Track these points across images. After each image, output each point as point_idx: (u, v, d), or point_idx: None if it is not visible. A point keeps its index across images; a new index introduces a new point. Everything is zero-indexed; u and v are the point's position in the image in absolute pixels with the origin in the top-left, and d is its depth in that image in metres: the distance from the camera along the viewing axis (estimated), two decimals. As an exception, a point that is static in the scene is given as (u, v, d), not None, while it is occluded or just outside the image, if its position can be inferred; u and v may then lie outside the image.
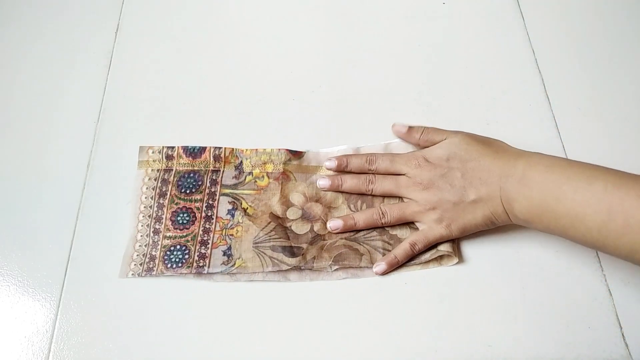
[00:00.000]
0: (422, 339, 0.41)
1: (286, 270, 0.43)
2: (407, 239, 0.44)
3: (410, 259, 0.44)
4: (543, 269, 0.44)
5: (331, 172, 0.48)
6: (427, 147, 0.46)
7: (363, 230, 0.45)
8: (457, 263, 0.44)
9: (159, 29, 0.56)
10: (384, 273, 0.43)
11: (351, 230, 0.45)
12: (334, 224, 0.45)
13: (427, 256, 0.43)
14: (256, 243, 0.44)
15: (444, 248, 0.43)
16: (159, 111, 0.51)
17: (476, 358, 0.40)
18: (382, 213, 0.44)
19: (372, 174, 0.46)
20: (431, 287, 0.43)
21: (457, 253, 0.44)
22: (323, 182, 0.47)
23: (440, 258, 0.44)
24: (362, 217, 0.45)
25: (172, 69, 0.54)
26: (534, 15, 0.58)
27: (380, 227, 0.45)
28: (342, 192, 0.47)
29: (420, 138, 0.47)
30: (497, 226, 0.43)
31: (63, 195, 0.46)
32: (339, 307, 0.42)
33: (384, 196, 0.46)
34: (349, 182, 0.46)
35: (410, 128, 0.48)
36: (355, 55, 0.55)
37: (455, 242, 0.44)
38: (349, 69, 0.54)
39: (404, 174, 0.45)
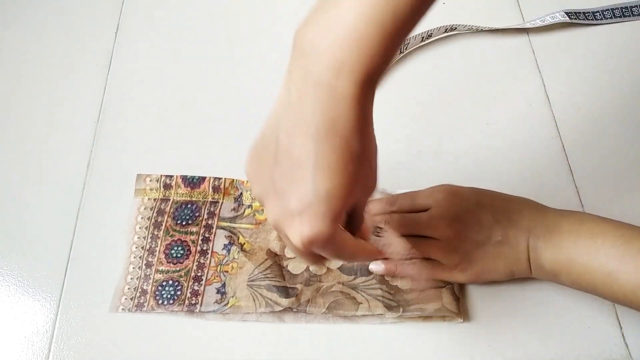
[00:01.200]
0: (422, 338, 0.41)
1: (280, 312, 0.41)
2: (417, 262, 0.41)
3: (412, 306, 0.41)
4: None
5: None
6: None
7: (363, 277, 0.42)
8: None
9: (159, 29, 0.56)
10: (378, 273, 0.42)
11: (387, 274, 0.42)
12: (375, 267, 0.41)
13: (430, 310, 0.41)
14: (251, 280, 0.42)
15: (450, 307, 0.41)
16: (159, 111, 0.51)
17: (476, 358, 0.40)
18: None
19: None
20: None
21: (463, 312, 0.41)
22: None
23: (444, 316, 0.41)
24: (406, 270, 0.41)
25: (172, 68, 0.54)
26: (534, 15, 0.58)
27: (381, 276, 0.42)
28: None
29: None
30: (513, 277, 0.40)
31: (63, 195, 0.46)
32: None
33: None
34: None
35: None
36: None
37: (460, 300, 0.41)
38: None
39: (427, 209, 0.41)
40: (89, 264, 0.44)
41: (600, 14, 0.56)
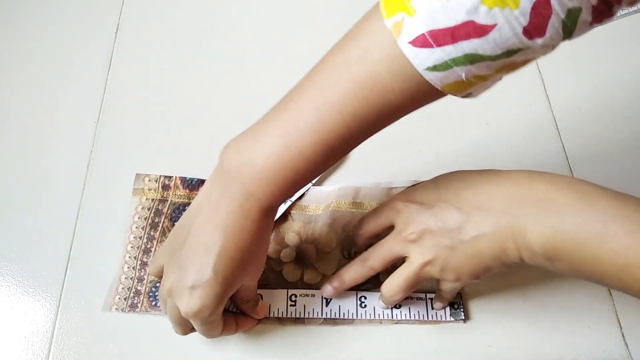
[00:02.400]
0: (422, 338, 0.41)
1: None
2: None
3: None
4: (543, 270, 0.43)
5: (347, 205, 0.45)
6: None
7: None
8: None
9: (159, 29, 0.56)
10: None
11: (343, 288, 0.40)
12: (327, 292, 0.40)
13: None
14: None
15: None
16: (159, 111, 0.51)
17: (476, 358, 0.40)
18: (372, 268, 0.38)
19: (366, 252, 0.39)
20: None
21: (464, 312, 0.41)
22: (327, 292, 0.41)
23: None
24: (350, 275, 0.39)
25: (172, 69, 0.54)
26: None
27: (377, 281, 0.41)
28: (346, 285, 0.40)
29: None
30: (507, 268, 0.34)
31: (63, 195, 0.46)
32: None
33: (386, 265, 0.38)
34: (349, 273, 0.40)
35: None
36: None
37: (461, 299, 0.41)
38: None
39: (393, 225, 0.38)
40: (89, 264, 0.44)
41: None
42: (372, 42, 0.28)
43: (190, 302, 0.32)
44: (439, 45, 0.26)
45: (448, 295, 0.39)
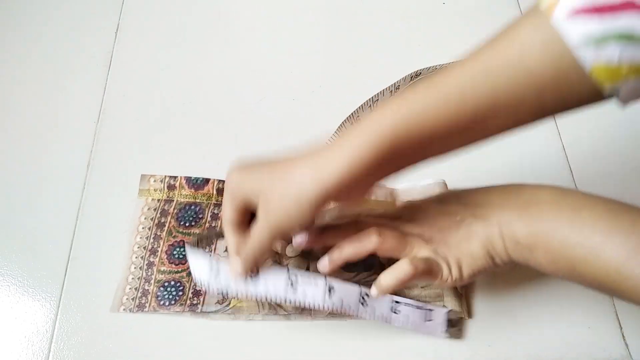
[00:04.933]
0: (422, 338, 0.41)
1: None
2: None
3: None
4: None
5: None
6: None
7: (360, 272, 0.41)
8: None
9: (159, 29, 0.57)
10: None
11: (341, 266, 0.38)
12: (321, 266, 0.38)
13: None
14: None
15: (453, 305, 0.40)
16: (159, 111, 0.51)
17: (476, 358, 0.40)
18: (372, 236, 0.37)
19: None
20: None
21: (467, 310, 0.41)
22: (300, 240, 0.38)
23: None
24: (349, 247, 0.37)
25: (172, 68, 0.54)
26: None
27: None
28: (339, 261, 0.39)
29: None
30: (495, 265, 0.36)
31: (63, 195, 0.46)
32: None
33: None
34: (347, 249, 0.37)
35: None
36: (355, 55, 0.55)
37: (463, 297, 0.41)
38: (349, 70, 0.54)
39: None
40: (89, 264, 0.44)
41: None
42: (525, 25, 0.28)
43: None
44: (597, 12, 0.25)
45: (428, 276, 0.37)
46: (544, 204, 0.34)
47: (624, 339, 0.41)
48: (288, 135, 0.50)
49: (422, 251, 0.37)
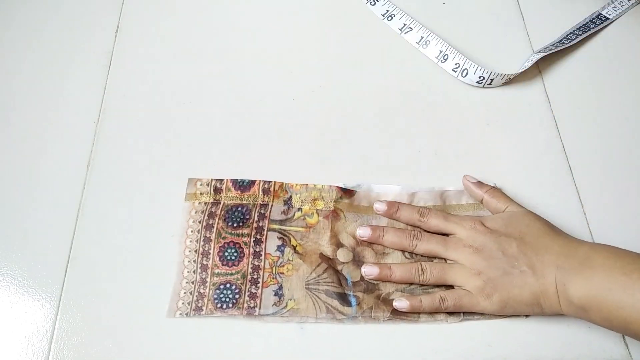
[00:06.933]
0: (422, 338, 0.41)
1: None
2: (439, 291, 0.41)
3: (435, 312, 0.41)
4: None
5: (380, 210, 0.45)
6: (490, 207, 0.45)
7: (402, 284, 0.43)
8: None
9: (159, 29, 0.56)
10: (402, 310, 0.41)
11: (387, 281, 0.42)
12: (369, 270, 0.42)
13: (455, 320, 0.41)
14: (308, 284, 0.42)
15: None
16: (159, 111, 0.51)
17: (476, 358, 0.40)
18: (422, 269, 0.42)
19: (419, 230, 0.44)
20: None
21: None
22: (363, 232, 0.44)
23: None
24: (399, 270, 0.42)
25: (172, 68, 0.54)
26: (534, 16, 0.58)
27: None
28: (381, 244, 0.44)
29: (486, 194, 0.44)
30: (543, 313, 0.40)
31: (63, 195, 0.46)
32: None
33: (427, 256, 0.43)
34: (391, 234, 0.43)
35: (480, 183, 0.46)
36: (355, 55, 0.55)
37: None
38: (349, 70, 0.54)
39: (454, 234, 0.43)
40: (88, 264, 0.44)
41: (565, 39, 0.55)
42: None
43: None
44: None
45: (464, 304, 0.40)
46: (598, 267, 0.37)
47: (624, 339, 0.41)
48: (288, 135, 0.50)
49: (469, 282, 0.40)
